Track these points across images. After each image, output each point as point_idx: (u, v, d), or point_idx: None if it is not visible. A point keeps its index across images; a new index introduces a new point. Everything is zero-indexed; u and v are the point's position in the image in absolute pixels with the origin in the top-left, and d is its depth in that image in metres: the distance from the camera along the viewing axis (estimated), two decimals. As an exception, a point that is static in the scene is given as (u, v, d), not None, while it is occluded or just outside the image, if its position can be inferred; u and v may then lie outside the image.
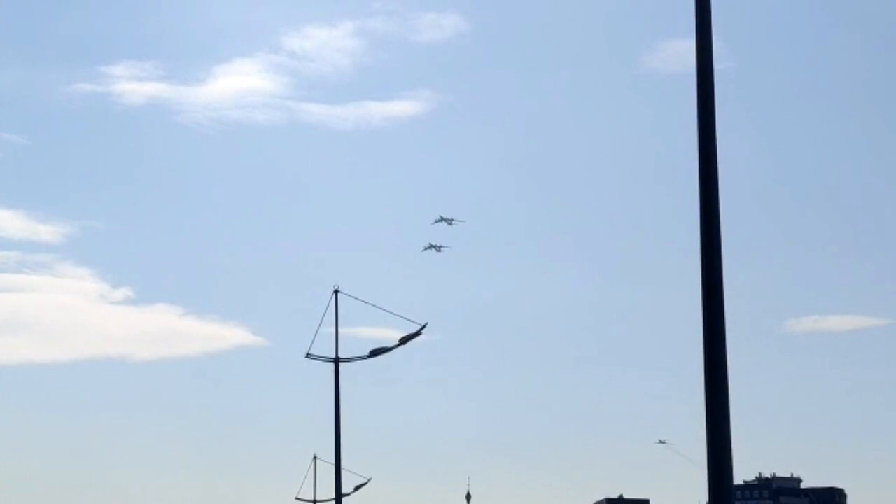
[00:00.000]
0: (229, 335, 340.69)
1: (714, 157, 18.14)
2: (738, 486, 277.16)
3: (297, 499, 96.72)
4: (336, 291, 54.30)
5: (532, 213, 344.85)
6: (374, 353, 55.54)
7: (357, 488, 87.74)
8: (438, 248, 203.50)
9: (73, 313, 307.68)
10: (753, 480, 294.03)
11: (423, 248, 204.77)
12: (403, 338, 54.99)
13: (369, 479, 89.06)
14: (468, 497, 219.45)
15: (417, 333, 54.48)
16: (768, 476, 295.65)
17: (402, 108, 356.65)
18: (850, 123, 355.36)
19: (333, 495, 57.25)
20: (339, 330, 54.35)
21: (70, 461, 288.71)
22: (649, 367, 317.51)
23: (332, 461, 55.84)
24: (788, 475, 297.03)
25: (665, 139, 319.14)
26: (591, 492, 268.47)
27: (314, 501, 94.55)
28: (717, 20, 18.48)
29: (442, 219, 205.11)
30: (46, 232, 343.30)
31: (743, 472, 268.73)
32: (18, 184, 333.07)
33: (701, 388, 17.57)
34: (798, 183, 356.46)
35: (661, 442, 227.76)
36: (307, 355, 54.17)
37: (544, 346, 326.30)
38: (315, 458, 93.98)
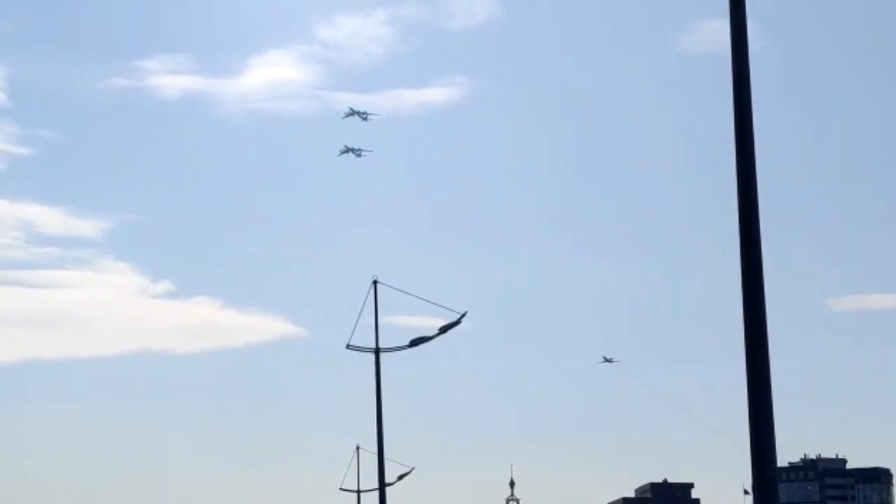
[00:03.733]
0: (270, 327, 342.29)
1: (751, 138, 17.97)
2: (783, 468, 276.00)
3: (340, 489, 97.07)
4: (375, 282, 54.30)
5: (568, 198, 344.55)
6: (415, 342, 55.46)
7: (401, 477, 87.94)
8: (358, 153, 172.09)
9: (113, 307, 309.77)
10: (798, 462, 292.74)
11: (338, 153, 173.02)
12: (443, 326, 54.88)
13: (412, 468, 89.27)
14: (512, 484, 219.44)
15: (457, 322, 54.37)
16: (813, 457, 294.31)
17: (435, 94, 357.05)
18: (892, 101, 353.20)
19: (377, 485, 57.28)
20: (379, 319, 54.37)
21: (114, 454, 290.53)
22: (690, 351, 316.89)
23: (375, 451, 55.89)
24: (834, 456, 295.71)
25: (701, 119, 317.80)
26: (635, 477, 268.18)
27: (358, 491, 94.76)
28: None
29: (353, 112, 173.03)
30: (85, 227, 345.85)
31: (788, 453, 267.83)
32: (56, 180, 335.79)
33: (743, 370, 17.40)
34: (838, 161, 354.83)
35: (606, 360, 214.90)
36: (348, 346, 54.19)
37: (584, 333, 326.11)
38: (358, 448, 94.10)
